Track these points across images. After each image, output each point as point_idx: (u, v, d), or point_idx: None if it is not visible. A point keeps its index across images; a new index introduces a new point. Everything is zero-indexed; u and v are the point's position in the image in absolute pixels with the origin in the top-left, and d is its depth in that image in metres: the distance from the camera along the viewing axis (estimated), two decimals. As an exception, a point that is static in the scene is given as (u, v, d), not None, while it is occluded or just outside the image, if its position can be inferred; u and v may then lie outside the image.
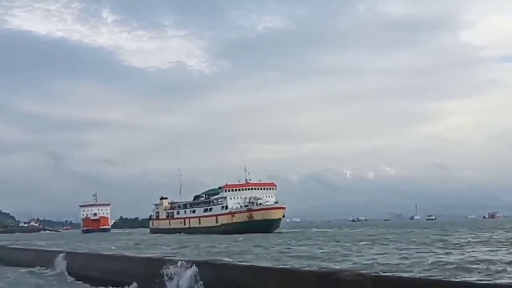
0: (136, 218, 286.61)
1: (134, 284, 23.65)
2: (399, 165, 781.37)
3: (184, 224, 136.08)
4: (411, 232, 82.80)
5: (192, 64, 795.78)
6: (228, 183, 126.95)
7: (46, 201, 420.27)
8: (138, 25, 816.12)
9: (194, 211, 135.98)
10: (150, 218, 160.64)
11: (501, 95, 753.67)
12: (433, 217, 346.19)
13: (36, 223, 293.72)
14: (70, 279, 31.32)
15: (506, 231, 75.10)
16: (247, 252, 42.73)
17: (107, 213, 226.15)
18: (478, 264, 26.98)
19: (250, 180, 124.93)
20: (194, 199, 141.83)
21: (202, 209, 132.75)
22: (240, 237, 79.70)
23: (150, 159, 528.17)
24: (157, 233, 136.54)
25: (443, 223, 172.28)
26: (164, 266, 20.94)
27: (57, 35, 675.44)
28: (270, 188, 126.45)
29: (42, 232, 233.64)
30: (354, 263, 28.95)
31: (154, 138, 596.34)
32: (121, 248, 55.60)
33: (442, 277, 13.86)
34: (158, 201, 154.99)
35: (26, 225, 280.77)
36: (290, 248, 47.53)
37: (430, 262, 28.72)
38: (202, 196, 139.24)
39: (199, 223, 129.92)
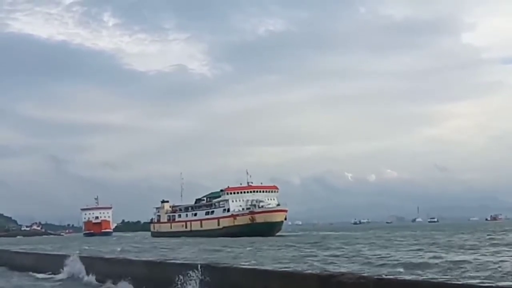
0: (138, 222, 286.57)
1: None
2: (400, 167, 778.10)
3: (186, 227, 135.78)
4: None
5: (193, 67, 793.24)
6: (230, 186, 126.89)
7: (48, 204, 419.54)
8: (139, 28, 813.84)
9: (195, 214, 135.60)
10: (151, 221, 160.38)
11: (502, 96, 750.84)
12: (435, 220, 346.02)
13: (38, 226, 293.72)
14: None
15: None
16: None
17: (109, 217, 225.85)
18: None
19: (251, 183, 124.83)
20: (195, 202, 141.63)
21: (204, 212, 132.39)
22: (250, 240, 77.71)
23: (151, 163, 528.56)
24: (158, 236, 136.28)
25: (447, 225, 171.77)
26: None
27: (58, 38, 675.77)
28: (272, 191, 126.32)
29: (45, 236, 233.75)
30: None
31: (155, 142, 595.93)
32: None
33: (444, 279, 13.81)
34: (159, 205, 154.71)
35: (28, 228, 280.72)
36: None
37: None
38: (204, 199, 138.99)
39: (201, 226, 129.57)
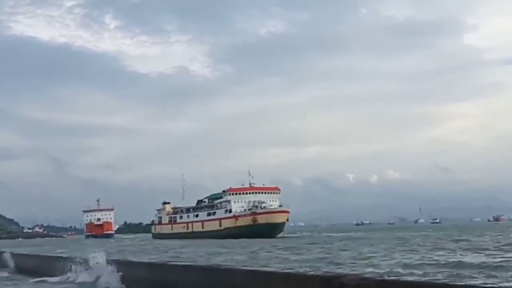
0: (140, 223, 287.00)
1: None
2: (402, 168, 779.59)
3: (187, 228, 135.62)
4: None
5: (195, 69, 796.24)
6: (232, 187, 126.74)
7: (50, 206, 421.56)
8: (141, 30, 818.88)
9: (197, 215, 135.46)
10: (152, 223, 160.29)
11: (505, 97, 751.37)
12: (438, 221, 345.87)
13: (40, 228, 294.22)
14: None
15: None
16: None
17: (111, 218, 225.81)
18: None
19: (254, 184, 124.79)
20: (197, 204, 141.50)
21: (206, 213, 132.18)
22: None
23: (153, 164, 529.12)
24: (159, 238, 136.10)
25: (450, 226, 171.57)
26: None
27: (60, 41, 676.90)
28: (274, 192, 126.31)
29: (47, 238, 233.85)
30: None
31: (157, 143, 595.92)
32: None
33: (447, 280, 13.70)
34: (161, 206, 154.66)
35: (30, 230, 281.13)
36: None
37: None
38: (205, 201, 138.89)
39: (202, 227, 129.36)
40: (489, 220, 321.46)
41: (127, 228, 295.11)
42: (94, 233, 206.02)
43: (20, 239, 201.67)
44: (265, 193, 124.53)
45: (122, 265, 24.38)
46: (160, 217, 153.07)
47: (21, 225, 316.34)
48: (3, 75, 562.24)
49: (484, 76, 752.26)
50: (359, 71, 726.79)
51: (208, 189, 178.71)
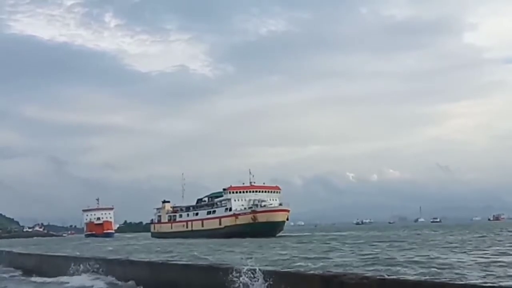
0: (140, 223, 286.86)
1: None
2: (402, 167, 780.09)
3: (187, 227, 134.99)
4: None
5: (195, 68, 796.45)
6: (233, 185, 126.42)
7: (51, 206, 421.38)
8: (141, 29, 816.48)
9: (197, 214, 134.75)
10: (152, 222, 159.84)
11: (505, 96, 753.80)
12: (438, 220, 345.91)
13: (40, 228, 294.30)
14: None
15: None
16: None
17: (111, 217, 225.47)
18: None
19: (254, 183, 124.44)
20: (197, 203, 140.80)
21: (205, 211, 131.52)
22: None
23: (153, 164, 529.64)
24: (158, 237, 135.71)
25: (450, 226, 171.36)
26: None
27: (60, 40, 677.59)
28: (274, 192, 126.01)
29: (47, 237, 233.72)
30: None
31: (157, 143, 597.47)
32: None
33: (447, 279, 13.79)
34: (161, 206, 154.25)
35: (30, 230, 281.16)
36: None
37: None
38: (205, 200, 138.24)
39: (202, 225, 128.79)
40: (489, 219, 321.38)
41: (127, 227, 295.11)
42: (94, 232, 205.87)
43: (19, 239, 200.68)
44: (265, 192, 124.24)
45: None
46: (160, 216, 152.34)
47: (21, 224, 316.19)
48: (3, 74, 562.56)
49: (484, 75, 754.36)
50: (359, 70, 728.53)
51: (208, 188, 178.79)
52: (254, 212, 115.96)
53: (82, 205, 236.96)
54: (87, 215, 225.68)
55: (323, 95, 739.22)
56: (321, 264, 30.82)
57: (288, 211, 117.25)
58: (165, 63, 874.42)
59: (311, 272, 17.42)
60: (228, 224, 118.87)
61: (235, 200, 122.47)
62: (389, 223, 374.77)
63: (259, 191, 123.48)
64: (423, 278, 15.48)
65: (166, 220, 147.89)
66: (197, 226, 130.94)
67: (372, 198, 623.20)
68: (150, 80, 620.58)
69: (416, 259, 32.99)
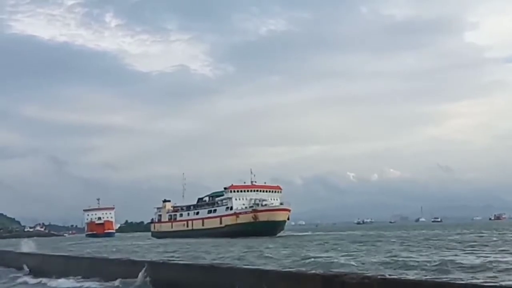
0: (142, 222, 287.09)
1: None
2: (403, 167, 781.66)
3: (187, 226, 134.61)
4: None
5: (195, 68, 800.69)
6: (234, 184, 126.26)
7: (52, 206, 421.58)
8: (142, 29, 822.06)
9: (197, 213, 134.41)
10: (152, 221, 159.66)
11: (505, 96, 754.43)
12: (439, 219, 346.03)
13: (41, 227, 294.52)
14: None
15: None
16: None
17: (111, 217, 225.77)
18: None
19: (255, 182, 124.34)
20: (197, 202, 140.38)
21: (206, 210, 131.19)
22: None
23: (154, 164, 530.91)
24: (159, 237, 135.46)
25: (453, 225, 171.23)
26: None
27: (60, 39, 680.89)
28: (275, 191, 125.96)
29: (47, 237, 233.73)
30: None
31: (157, 142, 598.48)
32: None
33: (448, 279, 13.79)
34: (161, 205, 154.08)
35: (31, 229, 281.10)
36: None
37: None
38: (206, 199, 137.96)
39: (203, 224, 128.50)
40: (490, 219, 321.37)
41: (128, 227, 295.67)
42: (95, 232, 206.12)
43: (24, 239, 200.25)
44: (266, 191, 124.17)
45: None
46: (160, 215, 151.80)
47: (22, 224, 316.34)
48: (4, 74, 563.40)
49: (485, 74, 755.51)
50: (359, 70, 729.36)
51: (208, 188, 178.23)
52: (255, 211, 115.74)
53: (83, 205, 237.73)
54: (88, 215, 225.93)
55: (323, 95, 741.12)
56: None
57: (289, 210, 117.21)
58: (166, 63, 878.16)
59: (313, 271, 17.43)
60: (229, 223, 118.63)
61: (236, 199, 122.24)
62: (390, 222, 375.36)
63: (260, 191, 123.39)
64: (423, 277, 15.50)
65: (167, 220, 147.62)
66: (197, 225, 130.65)
67: (373, 198, 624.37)
68: (151, 80, 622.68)
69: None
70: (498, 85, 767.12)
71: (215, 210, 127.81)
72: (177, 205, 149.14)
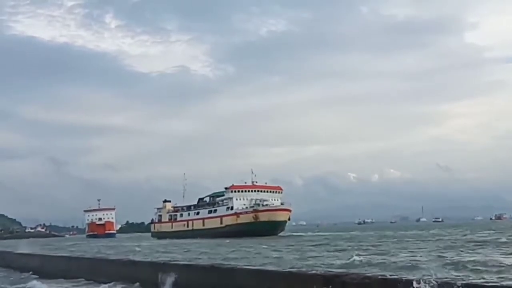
0: (142, 223, 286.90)
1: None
2: (403, 167, 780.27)
3: (187, 226, 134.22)
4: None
5: (195, 68, 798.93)
6: (235, 184, 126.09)
7: (53, 206, 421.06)
8: (142, 30, 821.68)
9: (198, 213, 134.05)
10: (152, 221, 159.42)
11: (506, 96, 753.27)
12: (440, 219, 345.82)
13: (42, 228, 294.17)
14: None
15: None
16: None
17: (112, 218, 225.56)
18: None
19: (256, 182, 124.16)
20: (198, 202, 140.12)
21: (207, 210, 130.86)
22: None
23: (155, 164, 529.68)
24: (158, 237, 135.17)
25: (454, 225, 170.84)
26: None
27: (60, 40, 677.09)
28: (276, 192, 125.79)
29: (48, 238, 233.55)
30: None
31: (158, 143, 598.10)
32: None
33: (448, 279, 13.77)
34: (161, 205, 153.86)
35: (32, 230, 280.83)
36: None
37: None
38: (206, 199, 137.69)
39: (203, 225, 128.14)
40: (490, 219, 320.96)
41: (129, 228, 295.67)
42: (95, 232, 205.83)
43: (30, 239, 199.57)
44: (267, 191, 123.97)
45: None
46: (160, 216, 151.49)
47: (23, 225, 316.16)
48: (4, 75, 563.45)
49: (485, 74, 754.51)
50: (360, 70, 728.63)
51: (209, 188, 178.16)
52: (255, 211, 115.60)
53: (83, 205, 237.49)
54: (88, 215, 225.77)
55: (323, 95, 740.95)
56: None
57: (289, 210, 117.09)
58: (166, 64, 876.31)
59: (313, 271, 17.41)
60: (230, 223, 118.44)
61: (237, 199, 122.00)
62: (391, 222, 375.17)
63: (261, 191, 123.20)
64: (425, 277, 15.46)
65: (167, 220, 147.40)
66: (198, 225, 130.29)
67: (373, 198, 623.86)
68: (151, 80, 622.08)
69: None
70: (498, 85, 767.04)
71: (215, 210, 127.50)
72: (178, 205, 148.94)
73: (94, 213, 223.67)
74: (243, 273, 19.24)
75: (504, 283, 12.90)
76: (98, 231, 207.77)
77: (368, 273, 17.01)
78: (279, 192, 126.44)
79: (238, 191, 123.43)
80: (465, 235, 71.46)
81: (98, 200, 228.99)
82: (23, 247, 55.93)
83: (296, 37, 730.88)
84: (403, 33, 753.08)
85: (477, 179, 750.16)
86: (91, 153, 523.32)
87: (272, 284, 17.00)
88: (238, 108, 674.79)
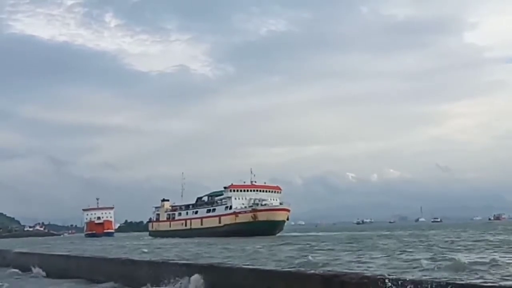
0: (141, 222, 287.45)
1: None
2: (403, 167, 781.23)
3: (185, 225, 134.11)
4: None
5: (195, 68, 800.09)
6: (234, 183, 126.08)
7: (52, 205, 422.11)
8: (141, 29, 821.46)
9: (196, 212, 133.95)
10: (150, 220, 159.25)
11: (505, 96, 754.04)
12: (439, 219, 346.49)
13: (41, 227, 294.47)
14: None
15: None
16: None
17: (111, 217, 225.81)
18: None
19: (255, 182, 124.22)
20: (196, 201, 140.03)
21: (205, 209, 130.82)
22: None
23: (154, 163, 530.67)
24: (156, 236, 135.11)
25: (453, 225, 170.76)
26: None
27: (60, 39, 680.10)
28: (275, 191, 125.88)
29: (46, 236, 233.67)
30: None
31: (157, 142, 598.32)
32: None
33: (447, 279, 13.74)
34: (160, 204, 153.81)
35: (31, 229, 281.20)
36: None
37: None
38: (205, 198, 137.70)
39: (201, 224, 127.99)
40: (489, 219, 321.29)
41: (128, 227, 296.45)
42: (94, 231, 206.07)
43: (23, 238, 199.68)
44: (266, 191, 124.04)
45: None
46: (158, 215, 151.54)
47: (22, 224, 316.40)
48: (4, 74, 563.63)
49: (485, 74, 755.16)
50: (359, 70, 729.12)
51: (208, 188, 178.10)
52: (254, 210, 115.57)
53: (82, 204, 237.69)
54: (87, 214, 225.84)
55: (323, 95, 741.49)
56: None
57: (288, 210, 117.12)
58: (165, 63, 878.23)
59: (312, 271, 17.39)
60: (228, 223, 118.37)
61: (235, 199, 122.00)
62: (390, 222, 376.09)
63: (260, 191, 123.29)
64: (423, 277, 15.43)
65: (165, 219, 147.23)
66: (196, 224, 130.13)
67: (373, 198, 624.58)
68: (151, 80, 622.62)
69: None
70: (498, 85, 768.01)
71: (214, 210, 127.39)
72: (176, 204, 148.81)
73: (92, 212, 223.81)
74: (241, 273, 19.21)
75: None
76: (97, 230, 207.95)
77: (366, 273, 16.98)
78: (278, 192, 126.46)
79: (237, 191, 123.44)
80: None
81: (97, 199, 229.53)
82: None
83: (296, 37, 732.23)
84: (403, 33, 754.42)
85: (477, 179, 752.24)
86: (91, 152, 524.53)
87: (271, 283, 16.97)
88: (238, 108, 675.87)
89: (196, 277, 19.38)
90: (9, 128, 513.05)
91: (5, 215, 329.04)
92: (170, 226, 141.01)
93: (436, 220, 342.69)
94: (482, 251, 38.15)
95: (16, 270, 35.11)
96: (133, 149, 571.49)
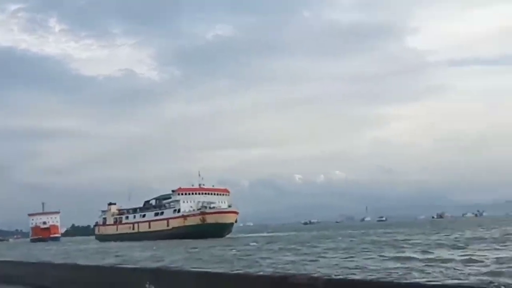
0: (88, 226, 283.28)
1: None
2: (348, 168, 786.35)
3: (133, 229, 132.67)
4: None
5: (142, 72, 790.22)
6: (182, 187, 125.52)
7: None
8: (86, 34, 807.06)
9: (144, 216, 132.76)
10: (97, 224, 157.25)
11: (447, 99, 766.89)
12: (384, 219, 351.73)
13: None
14: None
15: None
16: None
17: (57, 222, 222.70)
18: None
19: (203, 185, 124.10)
20: (144, 205, 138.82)
21: (153, 213, 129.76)
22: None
23: (101, 168, 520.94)
24: (103, 240, 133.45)
25: (396, 223, 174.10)
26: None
27: (4, 45, 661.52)
28: (223, 194, 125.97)
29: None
30: None
31: (105, 147, 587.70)
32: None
33: (393, 279, 14.00)
34: (107, 208, 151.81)
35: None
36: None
37: None
38: (153, 202, 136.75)
39: (149, 227, 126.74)
40: (433, 217, 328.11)
41: (75, 231, 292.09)
42: (40, 236, 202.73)
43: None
44: (214, 194, 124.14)
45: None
46: (105, 218, 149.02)
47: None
48: None
49: (427, 78, 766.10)
50: (304, 74, 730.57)
51: (156, 191, 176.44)
52: (203, 213, 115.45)
53: (28, 209, 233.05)
54: (32, 219, 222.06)
55: (269, 99, 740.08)
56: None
57: (237, 213, 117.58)
58: (112, 67, 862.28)
59: (260, 273, 17.47)
60: (176, 226, 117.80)
61: (183, 202, 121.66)
62: (336, 222, 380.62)
63: (208, 193, 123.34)
64: (369, 277, 15.70)
65: (112, 222, 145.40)
66: (143, 227, 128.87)
67: (320, 199, 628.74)
68: (97, 84, 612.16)
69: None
70: (440, 88, 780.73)
71: (162, 213, 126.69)
72: (123, 208, 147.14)
73: (38, 217, 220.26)
74: (190, 276, 19.15)
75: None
76: (43, 234, 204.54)
77: (314, 273, 17.15)
78: (226, 195, 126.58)
79: (185, 194, 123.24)
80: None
81: (42, 203, 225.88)
82: None
83: (242, 41, 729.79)
84: (348, 37, 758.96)
85: (420, 180, 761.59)
86: (37, 157, 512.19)
87: (219, 286, 16.98)
88: (185, 111, 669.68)
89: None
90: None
91: None
92: (117, 230, 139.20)
93: (382, 219, 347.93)
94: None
95: None
96: (80, 154, 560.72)
